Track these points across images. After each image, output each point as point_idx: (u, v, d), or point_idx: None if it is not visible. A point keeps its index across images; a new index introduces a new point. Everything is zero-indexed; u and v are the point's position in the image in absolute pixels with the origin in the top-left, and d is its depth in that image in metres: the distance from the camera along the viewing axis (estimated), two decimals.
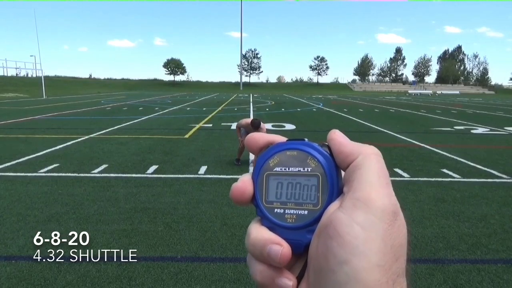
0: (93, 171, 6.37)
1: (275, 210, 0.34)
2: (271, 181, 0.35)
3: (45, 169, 6.46)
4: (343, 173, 0.33)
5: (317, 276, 0.30)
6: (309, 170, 0.34)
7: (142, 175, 6.19)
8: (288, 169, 0.34)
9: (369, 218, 0.28)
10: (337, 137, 0.34)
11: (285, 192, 0.34)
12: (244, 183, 0.35)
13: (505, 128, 13.68)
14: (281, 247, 0.32)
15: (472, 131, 12.68)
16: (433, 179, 6.16)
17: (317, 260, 0.30)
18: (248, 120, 6.95)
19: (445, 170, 6.68)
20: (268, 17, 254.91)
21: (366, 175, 0.30)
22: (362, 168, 0.31)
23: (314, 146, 0.34)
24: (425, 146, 9.28)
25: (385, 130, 12.15)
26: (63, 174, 6.18)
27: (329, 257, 0.29)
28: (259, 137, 0.37)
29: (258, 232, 0.33)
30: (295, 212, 0.34)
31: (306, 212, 0.33)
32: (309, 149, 0.34)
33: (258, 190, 0.35)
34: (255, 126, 6.58)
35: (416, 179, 6.14)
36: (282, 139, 0.37)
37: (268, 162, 0.35)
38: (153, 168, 6.65)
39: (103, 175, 6.18)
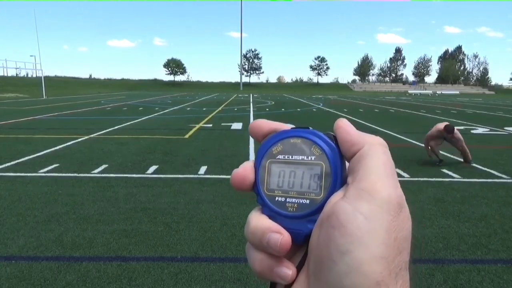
0: (93, 171, 6.37)
1: (276, 198, 0.34)
2: (274, 169, 0.34)
3: (45, 169, 6.46)
4: (347, 163, 0.33)
5: (317, 267, 0.30)
6: (312, 158, 0.33)
7: (142, 175, 6.19)
8: (291, 157, 0.34)
9: (374, 209, 0.28)
10: (344, 125, 0.33)
11: (287, 181, 0.34)
12: (245, 169, 0.35)
13: (505, 128, 13.67)
14: (281, 236, 0.31)
15: (472, 131, 12.67)
16: (433, 179, 6.15)
17: (318, 250, 0.30)
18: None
19: (445, 170, 6.68)
20: (268, 17, 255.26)
21: (371, 165, 0.30)
22: (368, 158, 0.30)
23: (319, 134, 0.34)
24: None
25: (385, 130, 12.16)
26: (63, 174, 6.18)
27: (331, 247, 0.28)
28: (263, 124, 0.36)
29: (258, 220, 0.33)
30: (296, 201, 0.33)
31: (308, 201, 0.33)
32: (313, 137, 0.34)
33: (259, 178, 0.34)
34: None
35: (416, 179, 6.14)
36: (286, 126, 0.36)
37: (271, 149, 0.35)
38: (153, 168, 6.65)
39: (103, 175, 6.18)
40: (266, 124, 0.36)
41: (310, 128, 0.35)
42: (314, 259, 0.30)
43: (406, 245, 0.29)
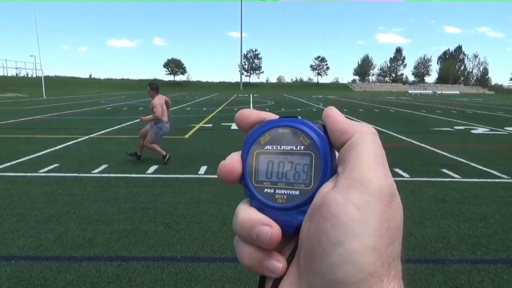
0: (93, 171, 6.37)
1: (265, 190, 0.33)
2: (262, 160, 0.33)
3: (45, 169, 6.46)
4: (337, 153, 0.32)
5: (308, 259, 0.29)
6: (301, 148, 0.32)
7: (142, 175, 6.19)
8: (280, 147, 0.33)
9: (365, 198, 0.27)
10: (334, 113, 0.32)
11: (276, 171, 0.33)
12: (232, 161, 0.34)
13: (505, 128, 13.67)
14: (270, 228, 0.30)
15: (472, 131, 12.68)
16: (433, 179, 6.15)
17: (309, 242, 0.29)
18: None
19: (445, 170, 6.67)
20: (268, 17, 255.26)
21: (362, 155, 0.29)
22: (358, 147, 0.29)
23: (308, 123, 0.33)
24: (425, 146, 9.28)
25: (385, 130, 12.16)
26: (63, 174, 6.18)
27: (322, 239, 0.28)
28: (250, 114, 0.35)
29: (247, 213, 0.32)
30: (286, 192, 0.32)
31: (297, 192, 0.32)
32: (302, 126, 0.33)
33: (247, 169, 0.33)
34: None
35: (416, 179, 6.14)
36: (273, 116, 0.35)
37: (259, 139, 0.34)
38: (153, 168, 6.65)
39: (103, 175, 6.18)
40: (252, 114, 0.35)
41: (299, 117, 0.34)
42: (305, 251, 0.30)
43: (398, 235, 0.28)
